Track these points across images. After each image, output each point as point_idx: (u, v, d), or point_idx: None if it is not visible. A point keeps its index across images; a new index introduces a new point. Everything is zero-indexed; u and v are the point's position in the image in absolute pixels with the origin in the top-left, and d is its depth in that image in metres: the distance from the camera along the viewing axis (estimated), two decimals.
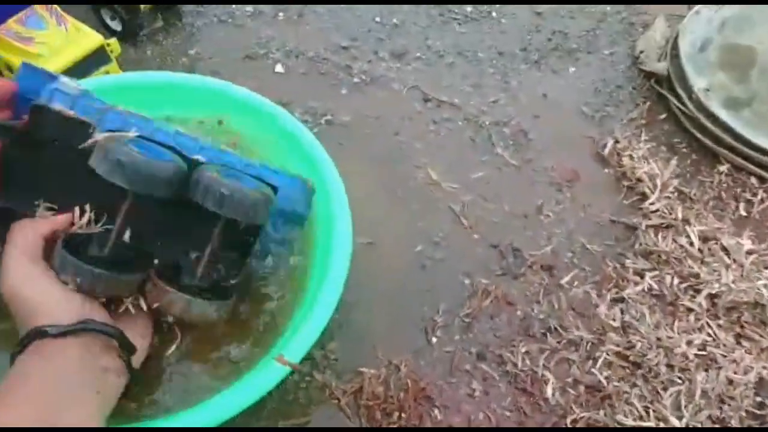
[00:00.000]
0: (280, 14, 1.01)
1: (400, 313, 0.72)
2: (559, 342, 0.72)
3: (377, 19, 1.03)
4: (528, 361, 0.70)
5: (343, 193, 0.64)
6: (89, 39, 0.74)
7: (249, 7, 1.00)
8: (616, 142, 0.92)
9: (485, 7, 1.09)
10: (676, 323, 0.74)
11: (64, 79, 0.51)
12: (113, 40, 0.78)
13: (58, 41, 0.72)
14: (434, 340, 0.70)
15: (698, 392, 0.68)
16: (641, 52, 1.03)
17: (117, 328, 0.45)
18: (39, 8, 0.74)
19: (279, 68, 0.93)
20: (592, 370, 0.70)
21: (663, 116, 0.97)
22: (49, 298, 0.44)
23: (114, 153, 0.42)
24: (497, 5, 1.09)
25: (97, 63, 0.76)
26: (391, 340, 0.69)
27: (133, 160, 0.43)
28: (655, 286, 0.77)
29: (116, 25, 0.90)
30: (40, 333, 0.42)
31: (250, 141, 0.68)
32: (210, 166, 0.50)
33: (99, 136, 0.45)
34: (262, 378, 0.52)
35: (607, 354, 0.71)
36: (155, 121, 0.54)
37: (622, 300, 0.76)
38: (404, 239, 0.78)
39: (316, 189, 0.61)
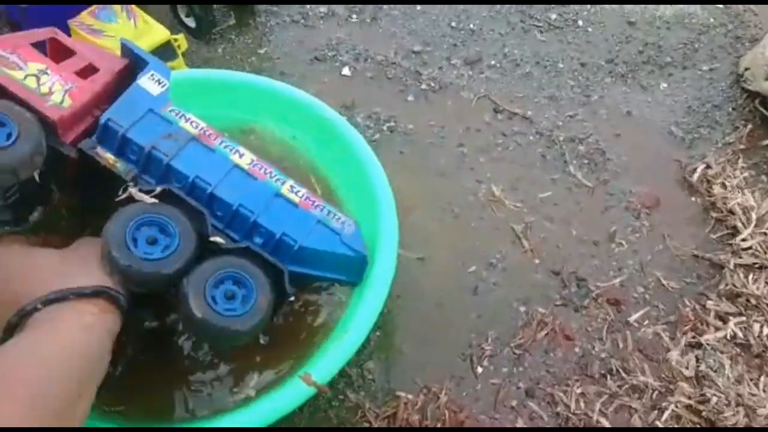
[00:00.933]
0: (354, 16, 0.98)
1: (445, 337, 0.67)
2: (620, 386, 0.64)
3: (453, 24, 0.98)
4: (582, 404, 0.63)
5: (393, 208, 0.60)
6: (156, 33, 0.75)
7: (323, 8, 0.98)
8: (708, 167, 0.83)
9: (571, 14, 1.01)
10: (762, 379, 0.65)
11: (153, 71, 0.51)
12: (180, 36, 0.79)
13: (127, 34, 0.73)
14: (480, 369, 0.65)
15: None
16: (746, 69, 0.93)
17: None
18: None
19: (346, 71, 0.90)
20: (657, 422, 0.62)
21: (766, 142, 0.87)
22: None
23: (116, 263, 0.44)
24: (585, 13, 1.02)
25: (164, 58, 0.75)
26: (433, 366, 0.65)
27: (127, 270, 0.44)
28: (740, 334, 0.68)
29: (191, 22, 0.91)
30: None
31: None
32: (212, 265, 0.46)
33: (132, 189, 0.47)
34: (283, 397, 0.49)
35: (676, 406, 0.63)
36: (217, 150, 0.51)
37: (698, 346, 0.67)
38: (458, 258, 0.73)
39: (369, 261, 0.54)
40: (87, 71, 0.49)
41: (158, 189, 0.47)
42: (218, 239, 0.48)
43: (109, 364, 0.42)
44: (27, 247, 0.46)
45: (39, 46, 0.48)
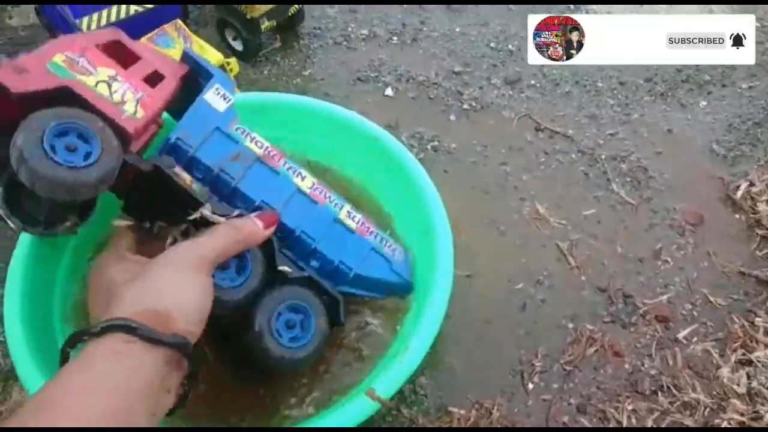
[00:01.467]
0: (394, 38, 1.01)
1: (495, 353, 0.68)
2: (671, 403, 0.65)
3: (492, 44, 1.00)
4: (634, 421, 0.63)
5: (448, 229, 0.61)
6: (211, 57, 0.78)
7: (364, 30, 1.01)
8: (751, 185, 0.83)
9: None
10: None
11: (219, 84, 0.51)
12: (233, 59, 0.82)
13: None
14: (530, 386, 0.66)
15: None
16: None
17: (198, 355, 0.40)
18: (168, 28, 0.79)
19: (389, 92, 0.93)
20: None
21: None
22: (185, 295, 0.39)
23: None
24: None
25: None
26: (483, 382, 0.65)
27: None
28: None
29: (238, 45, 0.94)
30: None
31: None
32: (276, 299, 0.47)
33: (205, 211, 0.47)
34: (348, 412, 0.50)
35: (729, 423, 0.63)
36: (281, 172, 0.52)
37: (749, 363, 0.67)
38: (505, 275, 0.74)
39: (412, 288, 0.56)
40: (153, 78, 0.47)
41: (235, 212, 0.49)
42: (285, 268, 0.49)
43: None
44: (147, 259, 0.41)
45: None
